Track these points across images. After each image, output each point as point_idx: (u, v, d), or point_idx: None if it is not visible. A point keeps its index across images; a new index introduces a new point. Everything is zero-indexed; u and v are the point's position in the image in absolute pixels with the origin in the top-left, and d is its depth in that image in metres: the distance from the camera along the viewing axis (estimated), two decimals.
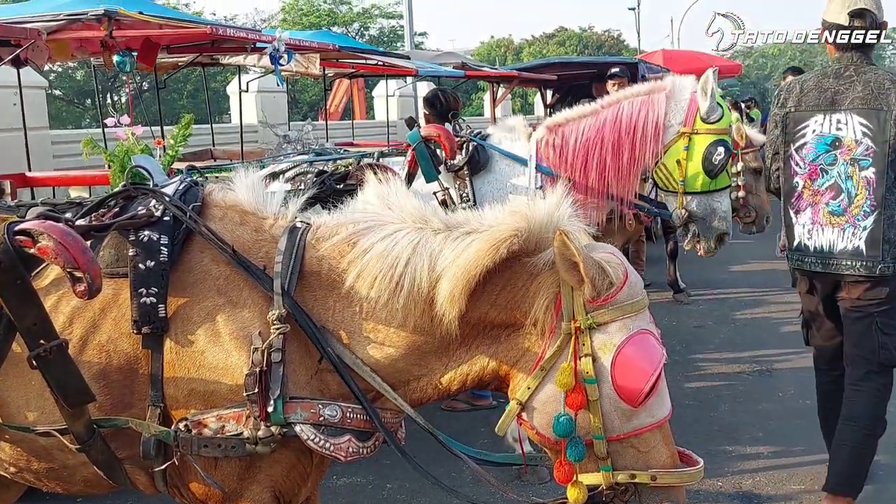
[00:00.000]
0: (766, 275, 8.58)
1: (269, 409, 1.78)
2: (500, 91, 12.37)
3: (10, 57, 4.46)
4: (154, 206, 1.94)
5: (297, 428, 1.80)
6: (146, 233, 1.89)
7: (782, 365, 5.55)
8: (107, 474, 1.97)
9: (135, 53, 4.88)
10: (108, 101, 24.88)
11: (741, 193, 5.45)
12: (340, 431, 1.83)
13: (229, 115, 16.69)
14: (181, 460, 1.87)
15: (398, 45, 27.38)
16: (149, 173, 2.09)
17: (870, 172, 3.21)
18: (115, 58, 4.47)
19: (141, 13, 5.01)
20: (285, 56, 5.23)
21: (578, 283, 1.74)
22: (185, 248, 1.93)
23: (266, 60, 5.63)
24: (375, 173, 2.05)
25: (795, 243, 3.43)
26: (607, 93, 7.96)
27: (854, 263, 3.25)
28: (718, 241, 3.95)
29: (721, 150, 3.72)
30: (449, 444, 1.97)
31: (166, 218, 1.91)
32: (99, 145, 4.30)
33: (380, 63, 9.15)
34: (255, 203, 2.03)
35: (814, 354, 3.68)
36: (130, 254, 1.87)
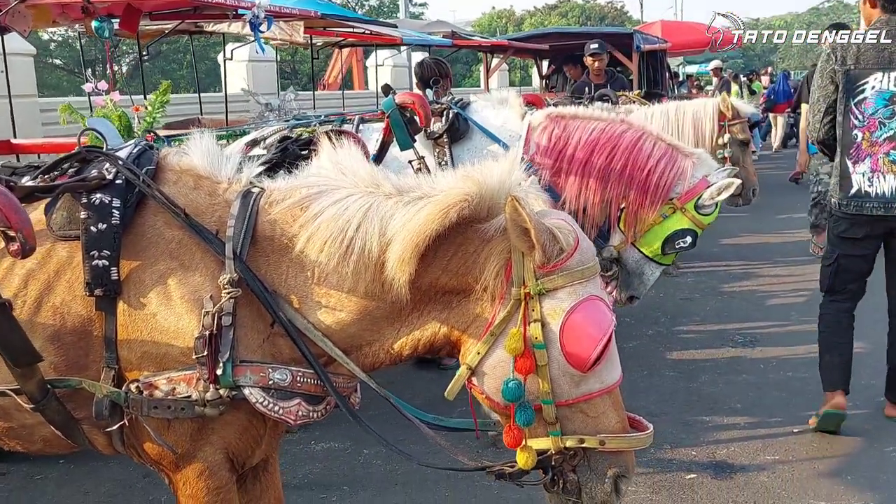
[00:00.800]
0: (757, 248, 8.59)
1: (218, 372, 1.79)
2: (494, 62, 12.27)
3: None
4: (107, 169, 1.94)
5: (246, 391, 1.81)
6: (98, 195, 1.88)
7: (766, 338, 5.57)
8: (64, 434, 1.98)
9: (116, 20, 4.83)
10: (108, 70, 24.68)
11: (727, 166, 5.43)
12: (290, 395, 1.84)
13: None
14: (135, 421, 1.89)
15: (397, 16, 27.10)
16: (102, 137, 2.07)
17: None
18: (94, 23, 4.42)
19: None
20: (265, 23, 5.19)
21: (529, 248, 1.74)
22: (138, 212, 1.92)
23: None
24: (331, 139, 2.03)
25: (854, 191, 3.79)
26: (586, 68, 7.94)
27: None
28: (628, 299, 4.03)
29: (688, 239, 3.82)
30: (402, 408, 1.98)
31: (118, 181, 1.91)
32: (78, 111, 4.28)
33: (366, 32, 9.05)
34: (210, 167, 2.02)
35: (830, 290, 4.05)
36: (82, 216, 1.87)
